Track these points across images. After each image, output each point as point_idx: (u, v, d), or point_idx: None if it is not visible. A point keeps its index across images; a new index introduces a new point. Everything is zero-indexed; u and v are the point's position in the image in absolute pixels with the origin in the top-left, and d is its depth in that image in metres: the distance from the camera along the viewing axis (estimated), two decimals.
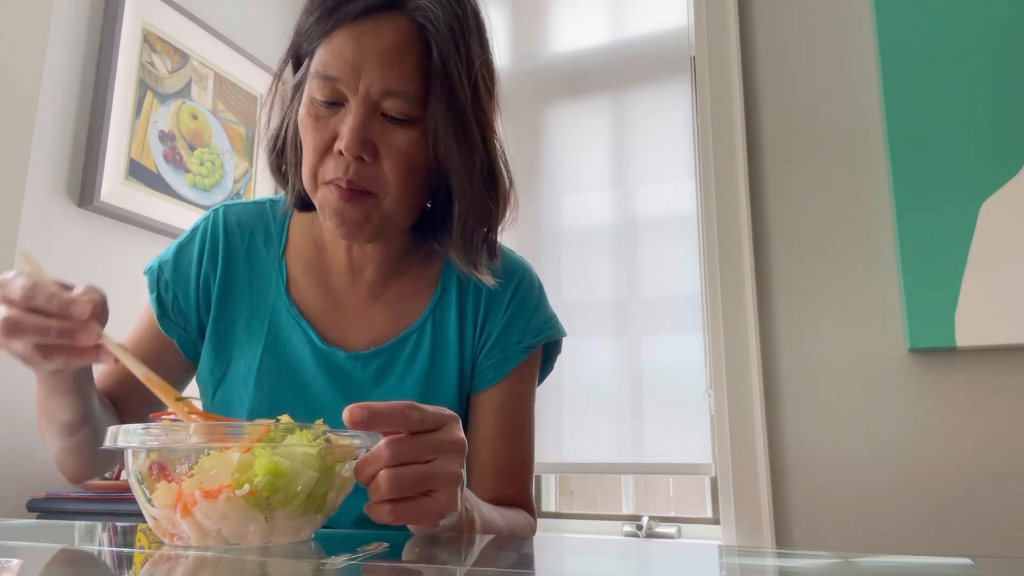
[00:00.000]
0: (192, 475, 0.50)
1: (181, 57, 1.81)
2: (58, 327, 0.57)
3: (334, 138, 0.71)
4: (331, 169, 0.71)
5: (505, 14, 2.19)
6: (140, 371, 0.59)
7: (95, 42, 1.62)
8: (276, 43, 2.13)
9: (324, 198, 0.73)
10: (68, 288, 0.61)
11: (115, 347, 0.59)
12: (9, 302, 0.58)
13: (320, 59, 0.71)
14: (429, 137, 0.72)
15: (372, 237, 0.76)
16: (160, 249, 0.89)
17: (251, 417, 0.79)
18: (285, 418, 0.53)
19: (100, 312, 0.59)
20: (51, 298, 0.58)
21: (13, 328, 0.57)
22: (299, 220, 0.87)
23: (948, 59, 1.57)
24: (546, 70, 2.10)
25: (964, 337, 1.46)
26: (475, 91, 0.73)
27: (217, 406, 0.82)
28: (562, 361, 0.92)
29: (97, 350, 0.59)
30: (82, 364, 0.61)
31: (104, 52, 1.62)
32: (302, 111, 0.73)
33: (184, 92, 1.81)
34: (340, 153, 0.70)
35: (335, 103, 0.71)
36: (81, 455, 0.77)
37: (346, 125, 0.69)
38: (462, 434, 0.57)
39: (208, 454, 0.50)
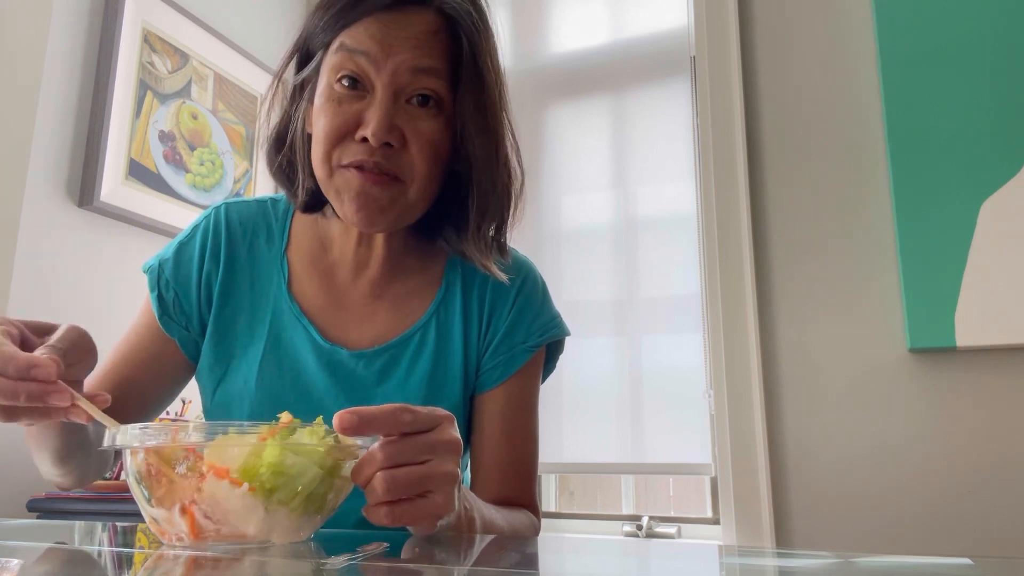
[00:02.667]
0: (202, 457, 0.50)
1: (181, 57, 1.81)
2: (26, 392, 0.53)
3: (355, 124, 0.70)
4: (350, 153, 0.71)
5: (505, 14, 2.19)
6: (114, 427, 0.55)
7: (95, 42, 1.62)
8: (276, 43, 2.13)
9: (344, 182, 0.72)
10: (44, 330, 0.58)
11: (87, 406, 0.56)
12: None
13: (344, 40, 0.71)
14: (455, 128, 0.73)
15: (392, 224, 0.75)
16: (160, 249, 0.88)
17: (252, 416, 0.78)
18: (286, 415, 0.53)
19: (70, 363, 0.56)
20: (7, 362, 0.53)
21: None
22: (301, 218, 0.86)
23: (948, 59, 1.57)
24: (546, 70, 2.10)
25: (964, 337, 1.46)
26: (499, 85, 0.76)
27: (217, 405, 0.82)
28: (562, 361, 0.92)
29: (70, 409, 0.56)
30: (51, 421, 0.58)
31: (104, 52, 1.62)
32: (319, 99, 0.73)
33: (184, 92, 1.81)
34: (364, 140, 0.69)
35: (357, 88, 0.71)
36: (73, 477, 0.78)
37: (372, 111, 0.69)
38: (457, 434, 0.56)
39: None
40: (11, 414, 0.55)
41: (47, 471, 0.77)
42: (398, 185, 0.72)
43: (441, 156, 0.73)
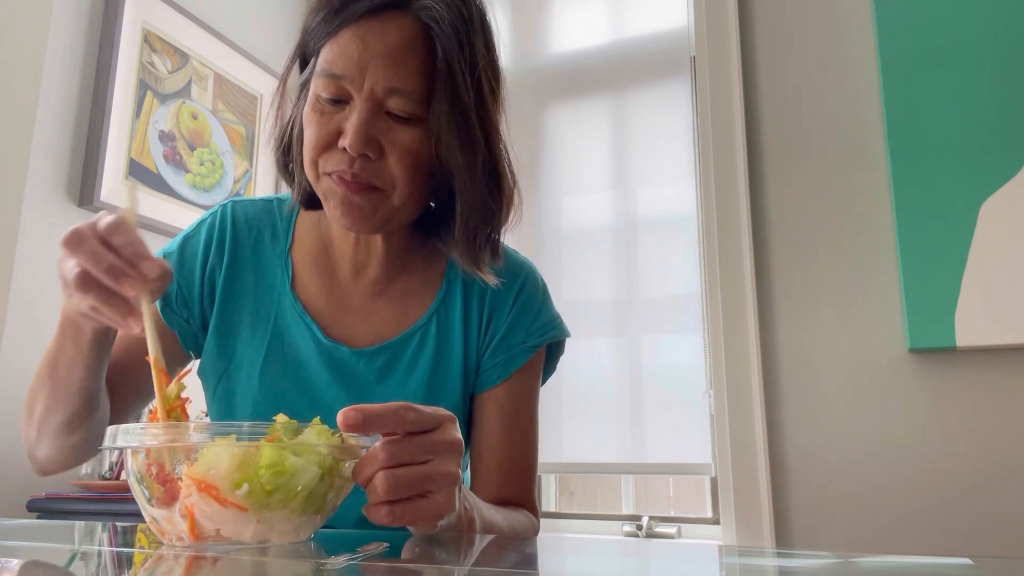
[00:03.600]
0: (193, 464, 0.49)
1: (181, 57, 1.81)
2: (110, 263, 0.55)
3: (337, 134, 0.71)
4: (333, 162, 0.72)
5: (505, 14, 2.19)
6: (153, 350, 0.57)
7: (95, 42, 1.62)
8: (276, 43, 2.13)
9: (328, 188, 0.73)
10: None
11: (147, 313, 0.57)
12: (89, 225, 0.57)
13: (325, 57, 0.71)
14: (432, 136, 0.72)
15: (378, 228, 0.76)
16: (162, 246, 0.89)
17: (255, 411, 0.79)
18: (281, 417, 0.53)
19: (164, 281, 0.57)
20: (127, 245, 0.56)
21: (75, 243, 0.55)
22: (305, 217, 0.87)
23: (948, 59, 1.57)
24: (546, 70, 2.10)
25: (964, 337, 1.46)
26: (479, 91, 0.74)
27: (219, 400, 0.82)
28: (562, 361, 0.92)
29: (130, 308, 0.57)
30: (109, 314, 0.58)
31: (104, 52, 1.62)
32: (307, 107, 0.74)
33: (184, 92, 1.81)
34: (344, 150, 0.70)
35: (340, 101, 0.71)
36: (70, 434, 0.74)
37: (350, 123, 0.70)
38: (459, 434, 0.57)
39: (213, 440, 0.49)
40: (85, 283, 0.56)
41: (49, 428, 0.74)
42: (379, 192, 0.73)
43: (423, 163, 0.73)
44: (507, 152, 0.80)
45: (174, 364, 0.83)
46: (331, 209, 0.74)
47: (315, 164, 0.73)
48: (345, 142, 0.70)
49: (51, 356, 0.70)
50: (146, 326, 0.57)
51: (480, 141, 0.74)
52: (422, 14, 0.71)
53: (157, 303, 0.82)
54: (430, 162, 0.74)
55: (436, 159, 0.74)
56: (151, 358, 0.57)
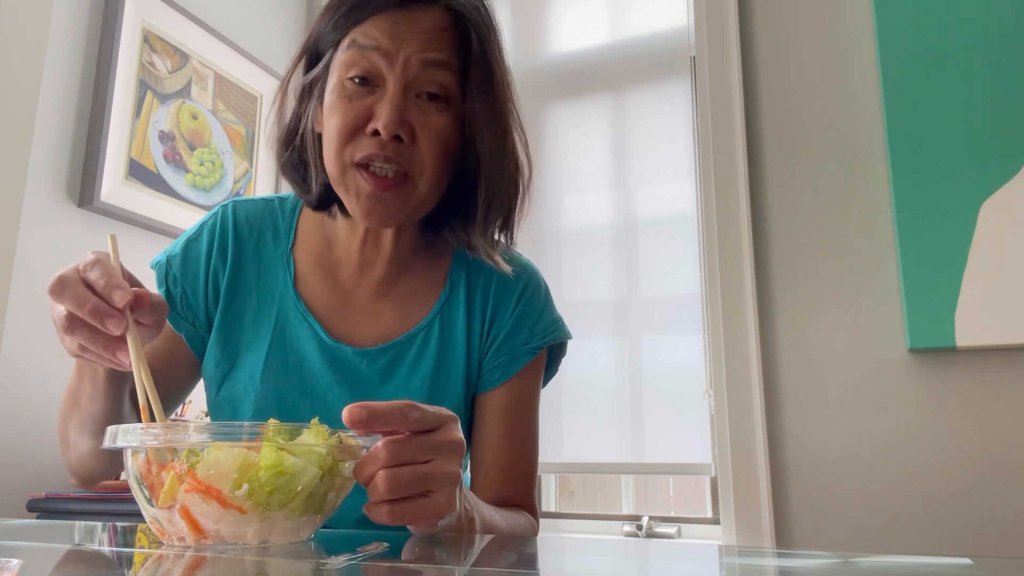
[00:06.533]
0: (193, 465, 0.49)
1: (181, 57, 1.81)
2: (93, 305, 0.56)
3: (366, 119, 0.71)
4: (363, 148, 0.71)
5: (505, 14, 2.19)
6: (138, 374, 0.57)
7: (95, 42, 1.62)
8: (276, 43, 2.13)
9: (355, 183, 0.72)
10: (132, 281, 0.60)
11: (133, 346, 0.58)
12: (72, 268, 0.59)
13: (355, 37, 0.72)
14: (464, 120, 0.74)
15: (403, 222, 0.76)
16: (160, 249, 0.88)
17: (256, 412, 0.79)
18: (273, 421, 0.53)
19: (141, 306, 0.58)
20: (101, 276, 0.57)
21: (59, 289, 0.57)
22: (308, 216, 0.86)
23: (948, 59, 1.57)
24: (546, 70, 2.10)
25: (964, 337, 1.46)
26: (504, 80, 0.77)
27: (222, 400, 0.82)
28: (562, 361, 0.92)
29: (119, 342, 0.58)
30: (96, 352, 0.59)
31: (104, 52, 1.62)
32: (331, 96, 0.73)
33: (184, 92, 1.81)
34: (375, 133, 0.70)
35: (368, 84, 0.71)
36: (101, 456, 0.77)
37: (383, 104, 0.70)
38: (460, 434, 0.57)
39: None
40: (71, 326, 0.57)
41: (80, 448, 0.76)
42: (408, 184, 0.73)
43: (450, 151, 0.74)
44: (525, 142, 0.81)
45: (183, 368, 0.84)
46: (355, 205, 0.73)
47: (341, 154, 0.72)
48: (378, 123, 0.69)
49: (72, 391, 0.73)
50: (131, 354, 0.58)
51: (510, 127, 0.77)
52: (452, 3, 0.73)
53: None
54: (456, 148, 0.75)
55: (462, 146, 0.75)
56: (138, 384, 0.57)
